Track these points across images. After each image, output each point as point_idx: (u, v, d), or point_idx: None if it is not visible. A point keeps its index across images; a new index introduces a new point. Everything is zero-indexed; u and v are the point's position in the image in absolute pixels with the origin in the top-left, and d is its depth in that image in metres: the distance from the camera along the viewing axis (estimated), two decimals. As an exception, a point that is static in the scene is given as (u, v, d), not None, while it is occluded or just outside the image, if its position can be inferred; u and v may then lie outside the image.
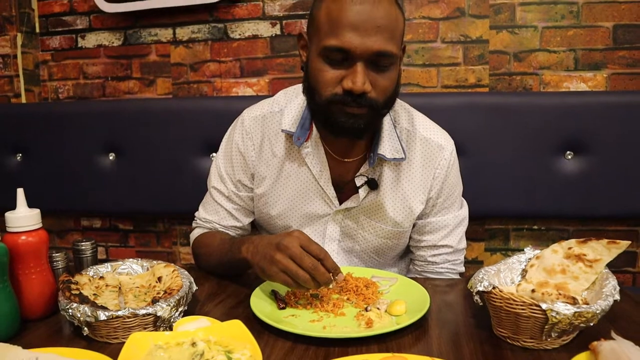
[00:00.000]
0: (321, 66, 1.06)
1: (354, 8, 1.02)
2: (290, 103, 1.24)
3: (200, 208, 1.35)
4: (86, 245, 1.14)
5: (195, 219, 1.36)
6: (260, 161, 1.26)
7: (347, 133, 1.10)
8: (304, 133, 1.19)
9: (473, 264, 1.88)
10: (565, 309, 0.79)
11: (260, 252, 1.01)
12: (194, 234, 1.34)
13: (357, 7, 1.02)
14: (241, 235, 1.32)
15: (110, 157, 1.92)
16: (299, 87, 1.24)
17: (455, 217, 1.29)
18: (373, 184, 1.20)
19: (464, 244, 1.32)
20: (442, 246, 1.28)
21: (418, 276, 1.30)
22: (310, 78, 1.11)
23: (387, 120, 1.20)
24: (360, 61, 1.03)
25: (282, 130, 1.20)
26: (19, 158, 1.96)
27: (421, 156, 1.23)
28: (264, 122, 1.26)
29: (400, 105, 1.27)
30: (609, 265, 1.83)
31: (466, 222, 1.32)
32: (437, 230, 1.28)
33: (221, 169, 1.30)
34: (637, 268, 1.84)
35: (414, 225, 1.29)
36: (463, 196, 1.33)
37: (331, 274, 0.96)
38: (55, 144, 1.92)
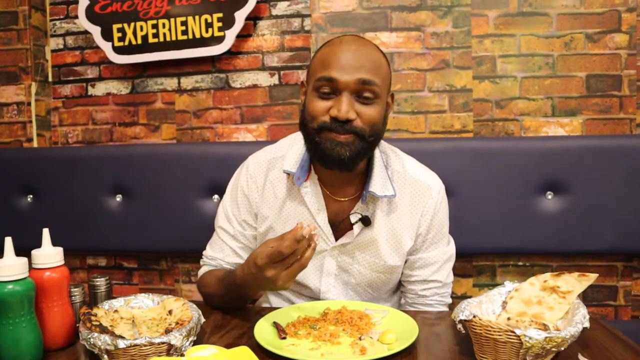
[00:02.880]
0: (313, 99, 1.21)
1: (341, 48, 1.20)
2: (292, 148, 1.35)
3: (208, 247, 1.44)
4: (101, 282, 1.21)
5: (202, 257, 1.45)
6: (263, 202, 1.36)
7: (334, 163, 1.20)
8: (304, 174, 1.30)
9: (462, 299, 1.95)
10: (537, 334, 0.87)
11: (260, 284, 1.10)
12: (200, 272, 1.43)
13: (344, 48, 1.20)
14: None
15: (117, 199, 2.01)
16: (299, 134, 1.36)
17: (444, 252, 1.37)
18: (366, 221, 1.30)
19: (451, 277, 1.41)
20: (432, 281, 1.37)
21: (410, 308, 1.38)
22: (305, 113, 1.25)
23: (379, 162, 1.31)
24: (346, 91, 1.17)
25: (284, 171, 1.31)
26: (29, 199, 2.05)
27: (410, 195, 1.33)
28: (268, 167, 1.37)
29: (391, 150, 1.39)
30: (593, 299, 1.92)
31: (454, 258, 1.41)
32: (428, 266, 1.36)
33: (228, 210, 1.40)
34: (618, 302, 1.92)
35: (405, 261, 1.37)
36: (451, 234, 1.42)
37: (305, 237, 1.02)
38: (64, 186, 2.01)
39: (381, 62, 1.23)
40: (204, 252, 1.45)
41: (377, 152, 1.32)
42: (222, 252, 1.40)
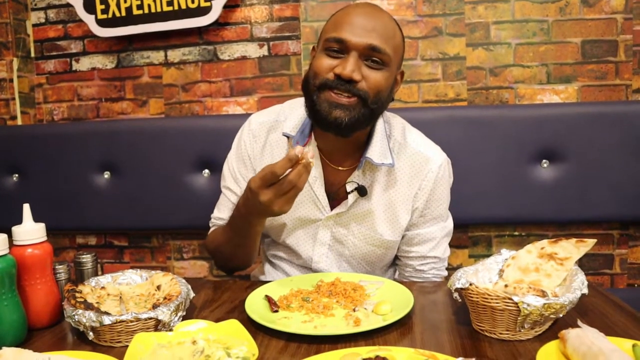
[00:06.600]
0: (321, 56, 1.18)
1: (356, 11, 1.17)
2: (295, 111, 1.32)
3: (215, 209, 1.43)
4: (87, 258, 1.18)
5: (210, 219, 1.44)
6: (261, 162, 1.33)
7: (330, 125, 1.17)
8: (303, 139, 1.26)
9: (458, 271, 1.95)
10: (535, 301, 0.85)
11: (258, 209, 1.09)
12: (209, 233, 1.43)
13: (360, 10, 1.17)
14: None
15: (105, 176, 1.97)
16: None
17: (442, 228, 1.35)
18: (362, 191, 1.27)
19: (448, 252, 1.39)
20: (430, 257, 1.34)
21: (405, 280, 1.36)
22: (309, 71, 1.22)
23: (380, 132, 1.27)
24: (354, 52, 1.14)
25: (283, 134, 1.28)
26: (15, 178, 2.01)
27: (409, 167, 1.30)
28: (269, 129, 1.35)
29: (397, 120, 1.36)
30: (589, 268, 1.91)
31: (451, 233, 1.39)
32: (426, 242, 1.34)
33: (234, 169, 1.38)
34: (614, 270, 1.91)
35: (403, 237, 1.34)
36: (447, 206, 1.39)
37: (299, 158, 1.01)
38: (50, 164, 1.97)
39: (395, 33, 1.20)
40: (212, 215, 1.44)
41: (380, 122, 1.28)
42: (229, 213, 1.37)
